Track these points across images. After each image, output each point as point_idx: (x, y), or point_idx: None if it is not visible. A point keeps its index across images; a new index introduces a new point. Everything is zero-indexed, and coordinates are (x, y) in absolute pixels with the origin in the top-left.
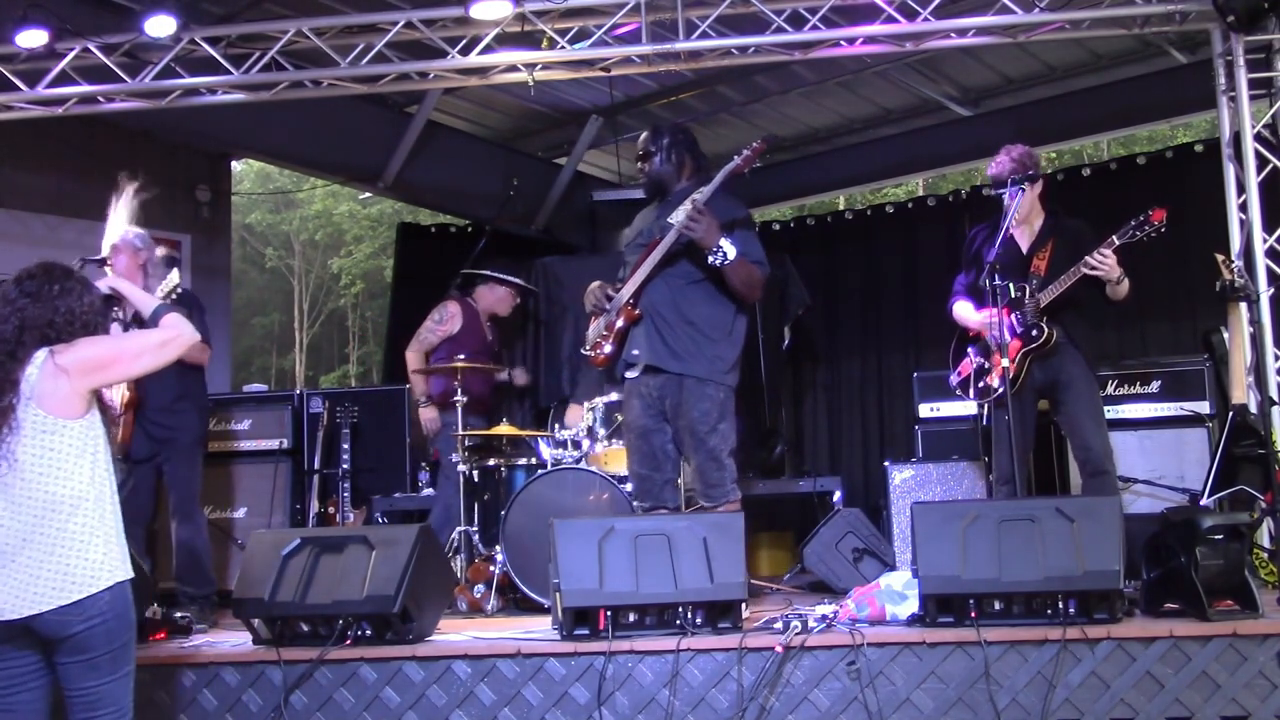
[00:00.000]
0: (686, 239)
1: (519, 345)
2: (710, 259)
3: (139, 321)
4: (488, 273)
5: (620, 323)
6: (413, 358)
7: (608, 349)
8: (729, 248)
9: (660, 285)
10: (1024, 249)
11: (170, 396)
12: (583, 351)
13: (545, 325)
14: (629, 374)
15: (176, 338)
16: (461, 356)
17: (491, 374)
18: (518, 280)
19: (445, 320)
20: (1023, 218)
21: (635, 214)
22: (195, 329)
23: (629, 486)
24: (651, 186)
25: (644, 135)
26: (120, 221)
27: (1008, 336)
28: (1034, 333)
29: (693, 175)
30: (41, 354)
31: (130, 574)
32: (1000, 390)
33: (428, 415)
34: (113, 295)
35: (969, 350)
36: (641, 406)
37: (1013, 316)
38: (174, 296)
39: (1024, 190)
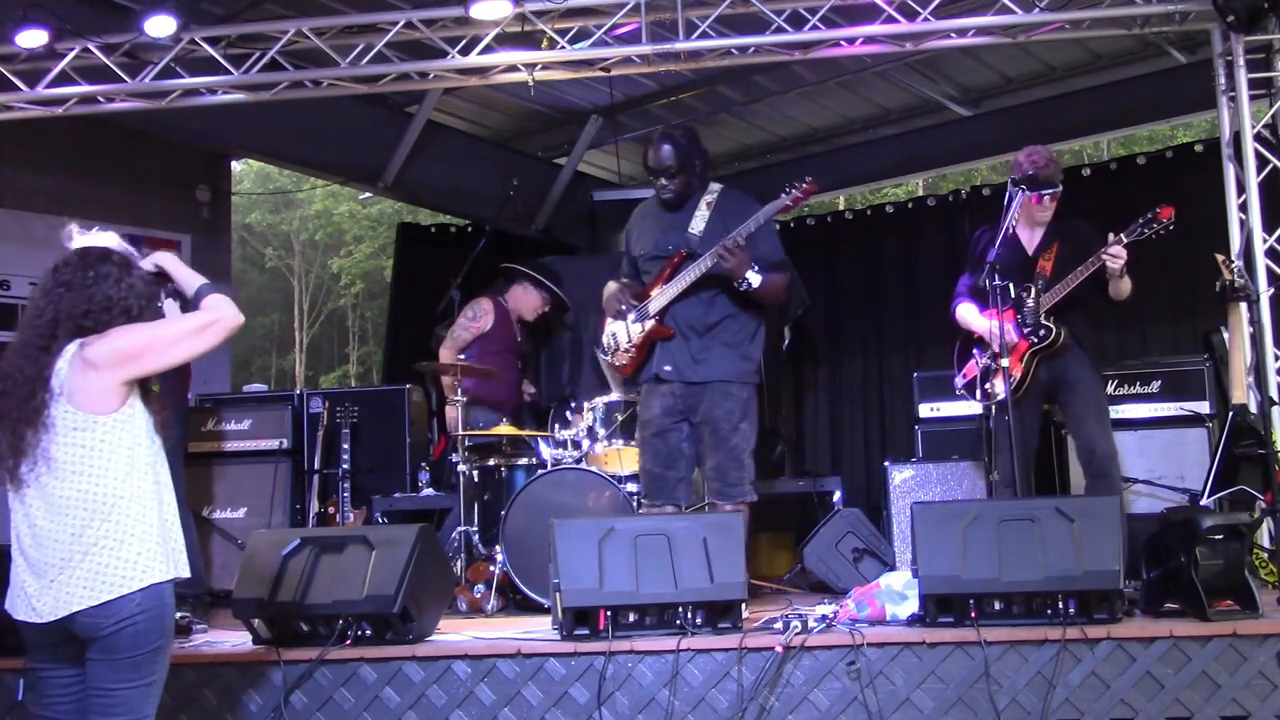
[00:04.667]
0: (719, 269)
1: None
2: (736, 285)
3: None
4: (530, 271)
5: (648, 334)
6: (447, 355)
7: (634, 356)
8: (754, 278)
9: (688, 298)
10: (1029, 250)
11: None
12: (601, 356)
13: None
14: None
15: (216, 321)
16: (462, 357)
17: (518, 375)
18: (557, 289)
19: (478, 317)
20: (1039, 220)
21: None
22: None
23: (630, 486)
24: (678, 201)
25: (665, 149)
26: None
27: (1014, 337)
28: (1041, 332)
29: (705, 181)
30: (72, 347)
31: (169, 574)
32: (1006, 393)
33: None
34: (161, 273)
35: (974, 351)
36: (661, 406)
37: (1017, 318)
38: None
39: (1025, 192)
